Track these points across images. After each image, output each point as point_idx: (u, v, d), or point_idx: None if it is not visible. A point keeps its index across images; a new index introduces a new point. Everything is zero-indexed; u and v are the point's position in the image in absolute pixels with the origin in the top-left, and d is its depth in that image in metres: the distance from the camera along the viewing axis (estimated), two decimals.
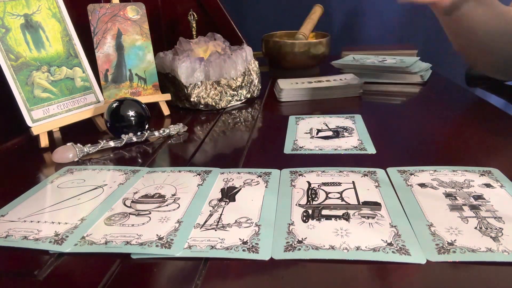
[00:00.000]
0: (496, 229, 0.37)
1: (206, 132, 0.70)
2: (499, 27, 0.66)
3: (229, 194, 0.46)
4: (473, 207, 0.41)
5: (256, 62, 0.87)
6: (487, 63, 0.73)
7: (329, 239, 0.37)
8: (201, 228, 0.40)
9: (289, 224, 0.40)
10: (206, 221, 0.41)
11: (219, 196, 0.46)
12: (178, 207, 0.44)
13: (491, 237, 0.36)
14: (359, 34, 1.45)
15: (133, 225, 0.40)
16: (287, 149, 0.60)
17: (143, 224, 0.41)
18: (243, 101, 0.85)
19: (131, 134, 0.63)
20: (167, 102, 0.79)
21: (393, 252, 0.35)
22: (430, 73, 0.98)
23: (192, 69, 0.77)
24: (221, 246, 0.37)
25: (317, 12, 1.10)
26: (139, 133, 0.64)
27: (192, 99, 0.78)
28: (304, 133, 0.65)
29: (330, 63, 1.02)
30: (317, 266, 0.34)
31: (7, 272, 0.36)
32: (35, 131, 0.62)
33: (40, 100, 0.63)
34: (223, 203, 0.44)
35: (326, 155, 0.57)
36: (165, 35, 1.08)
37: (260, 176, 0.51)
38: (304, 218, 0.41)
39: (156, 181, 0.51)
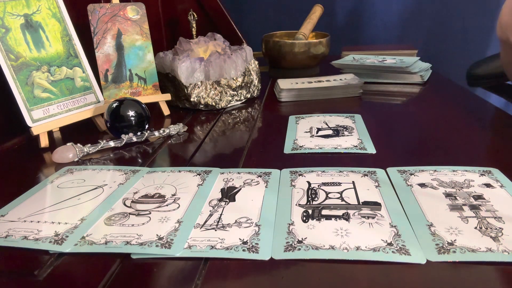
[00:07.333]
0: (496, 229, 0.37)
1: (206, 132, 0.70)
2: None
3: (229, 194, 0.46)
4: (473, 207, 0.41)
5: (256, 62, 0.87)
6: None
7: (329, 239, 0.37)
8: (201, 228, 0.40)
9: (289, 224, 0.40)
10: (206, 221, 0.41)
11: (219, 196, 0.46)
12: (178, 207, 0.44)
13: (491, 237, 0.36)
14: (359, 34, 1.45)
15: (133, 225, 0.40)
16: (287, 149, 0.60)
17: (143, 224, 0.41)
18: (243, 101, 0.85)
19: (131, 134, 0.63)
20: (167, 102, 0.79)
21: (393, 252, 0.35)
22: (430, 73, 0.98)
23: (192, 69, 0.77)
24: (221, 246, 0.37)
25: (317, 12, 1.10)
26: (139, 133, 0.64)
27: (192, 99, 0.78)
28: (304, 132, 0.65)
29: (330, 63, 1.02)
30: (317, 266, 0.34)
31: (7, 272, 0.36)
32: (35, 131, 0.62)
33: (40, 100, 0.63)
34: (223, 203, 0.44)
35: (326, 155, 0.57)
36: (165, 35, 1.08)
37: (260, 176, 0.51)
38: (304, 218, 0.41)
39: (156, 181, 0.51)
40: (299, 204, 0.43)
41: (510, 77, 0.65)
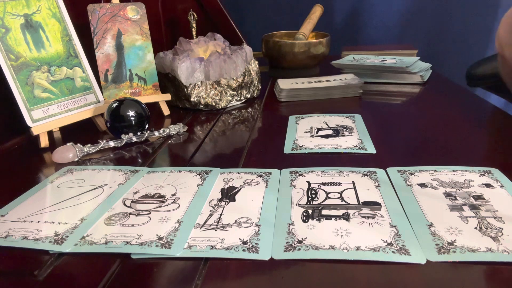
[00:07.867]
0: (496, 229, 0.37)
1: (206, 132, 0.70)
2: None
3: (229, 194, 0.46)
4: (473, 207, 0.41)
5: (256, 62, 0.87)
6: None
7: (329, 239, 0.37)
8: (201, 228, 0.40)
9: (289, 224, 0.40)
10: (206, 221, 0.41)
11: (219, 196, 0.46)
12: (178, 207, 0.44)
13: (491, 237, 0.36)
14: (359, 34, 1.45)
15: (133, 225, 0.40)
16: (287, 149, 0.60)
17: (143, 224, 0.41)
18: (243, 101, 0.85)
19: (131, 134, 0.63)
20: (167, 102, 0.79)
21: (393, 252, 0.35)
22: (430, 73, 0.98)
23: (192, 69, 0.77)
24: (221, 246, 0.37)
25: (317, 12, 1.10)
26: (139, 133, 0.64)
27: (192, 99, 0.78)
28: (304, 132, 0.65)
29: (330, 63, 1.02)
30: (317, 266, 0.34)
31: (7, 272, 0.36)
32: (35, 131, 0.62)
33: (40, 100, 0.63)
34: (223, 203, 0.44)
35: (326, 155, 0.57)
36: (165, 35, 1.08)
37: (260, 176, 0.51)
38: (304, 218, 0.41)
39: (156, 181, 0.51)
40: (299, 204, 0.43)
41: (509, 86, 0.64)
